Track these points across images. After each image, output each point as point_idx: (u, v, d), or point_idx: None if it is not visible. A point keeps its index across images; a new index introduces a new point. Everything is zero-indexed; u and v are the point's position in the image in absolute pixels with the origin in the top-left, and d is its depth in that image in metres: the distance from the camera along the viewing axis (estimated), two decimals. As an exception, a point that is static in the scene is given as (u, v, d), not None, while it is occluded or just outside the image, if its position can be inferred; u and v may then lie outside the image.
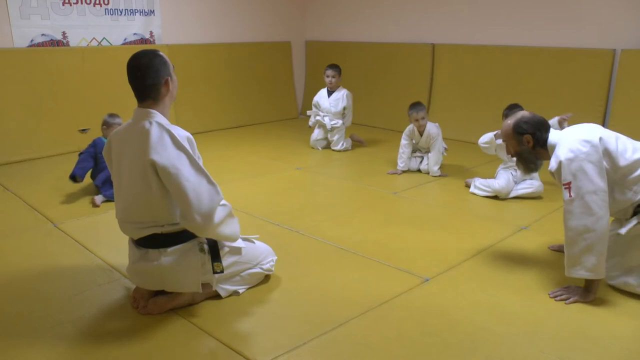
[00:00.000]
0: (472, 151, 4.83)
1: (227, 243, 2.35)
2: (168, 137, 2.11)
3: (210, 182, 2.15)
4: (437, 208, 3.73)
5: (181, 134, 2.16)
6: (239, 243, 2.39)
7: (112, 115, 3.89)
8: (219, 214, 2.18)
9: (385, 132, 6.08)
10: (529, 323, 2.21)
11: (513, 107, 3.63)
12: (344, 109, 5.18)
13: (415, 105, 4.29)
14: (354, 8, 6.66)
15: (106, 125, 3.84)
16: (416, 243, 3.05)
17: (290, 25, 7.14)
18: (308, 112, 5.42)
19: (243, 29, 6.59)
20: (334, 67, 5.15)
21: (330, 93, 5.21)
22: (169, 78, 2.20)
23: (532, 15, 5.13)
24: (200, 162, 2.16)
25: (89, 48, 5.33)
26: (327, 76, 5.14)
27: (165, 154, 2.08)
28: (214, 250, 2.28)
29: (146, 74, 2.15)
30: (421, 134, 4.36)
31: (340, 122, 5.19)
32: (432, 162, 4.37)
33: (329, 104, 5.20)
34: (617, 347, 2.06)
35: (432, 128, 4.34)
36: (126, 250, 2.38)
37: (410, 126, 4.38)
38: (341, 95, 5.16)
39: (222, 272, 2.27)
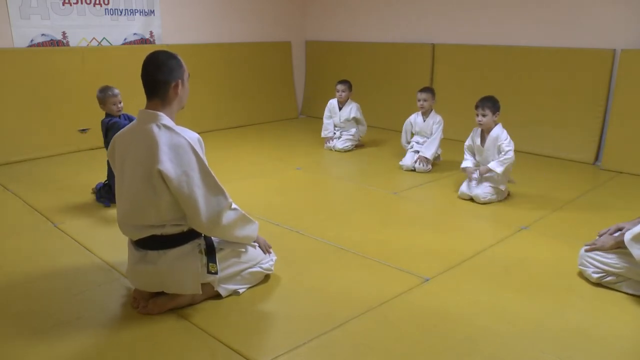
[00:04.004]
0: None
1: (227, 245, 2.36)
2: (180, 142, 2.11)
3: (218, 187, 2.19)
4: (437, 208, 3.72)
5: (192, 136, 2.17)
6: (240, 246, 2.41)
7: (103, 89, 3.54)
8: (229, 217, 2.24)
9: (385, 132, 6.08)
10: (529, 323, 2.21)
11: (486, 100, 3.70)
12: (354, 119, 5.28)
13: (423, 88, 4.59)
14: (354, 8, 6.66)
15: (102, 103, 3.54)
16: (416, 243, 3.05)
17: (290, 25, 7.14)
18: (324, 133, 5.40)
19: (243, 29, 6.59)
20: (344, 82, 5.28)
21: (340, 108, 5.33)
22: (180, 81, 2.20)
23: (532, 15, 5.13)
24: (207, 164, 2.17)
25: (89, 48, 5.33)
26: (337, 90, 5.26)
27: (176, 161, 2.08)
28: (210, 251, 2.28)
29: (159, 70, 2.16)
30: (424, 118, 4.55)
31: (354, 130, 5.31)
32: (426, 147, 4.46)
33: (339, 118, 5.30)
34: (617, 347, 2.06)
35: (435, 116, 4.53)
36: (126, 250, 2.38)
37: (412, 115, 4.64)
38: (349, 109, 5.27)
39: (216, 273, 2.27)
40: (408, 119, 4.70)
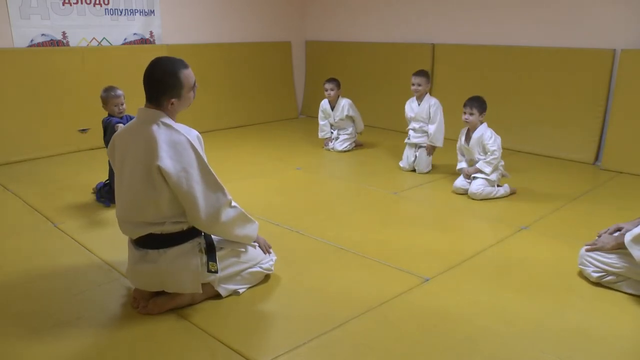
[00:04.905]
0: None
1: (227, 244, 2.37)
2: (179, 139, 2.12)
3: (217, 184, 2.20)
4: (437, 208, 3.73)
5: (191, 133, 2.18)
6: (240, 246, 2.41)
7: (106, 90, 3.55)
8: (228, 214, 2.25)
9: (385, 132, 6.08)
10: (529, 323, 2.21)
11: (475, 99, 3.82)
12: (348, 117, 5.24)
13: (418, 71, 4.50)
14: (354, 8, 6.66)
15: (104, 103, 3.54)
16: (416, 243, 3.05)
17: (290, 25, 7.14)
18: (321, 134, 5.38)
19: (243, 29, 6.59)
20: (331, 80, 5.21)
21: (332, 107, 5.28)
22: (176, 100, 2.17)
23: (532, 15, 5.13)
24: (206, 161, 2.17)
25: (89, 48, 5.33)
26: (325, 90, 5.21)
27: (176, 158, 2.09)
28: (210, 250, 2.28)
29: (155, 85, 2.16)
30: (419, 102, 4.52)
31: (351, 128, 5.28)
32: (434, 136, 4.42)
33: (333, 118, 5.27)
34: (617, 347, 2.06)
35: (430, 99, 4.49)
36: (126, 250, 2.38)
37: (410, 99, 4.61)
38: (341, 107, 5.22)
39: (216, 272, 2.28)
40: (407, 103, 4.65)
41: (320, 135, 5.37)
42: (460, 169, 3.97)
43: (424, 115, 4.51)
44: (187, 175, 2.10)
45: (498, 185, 3.86)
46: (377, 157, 5.06)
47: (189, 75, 2.19)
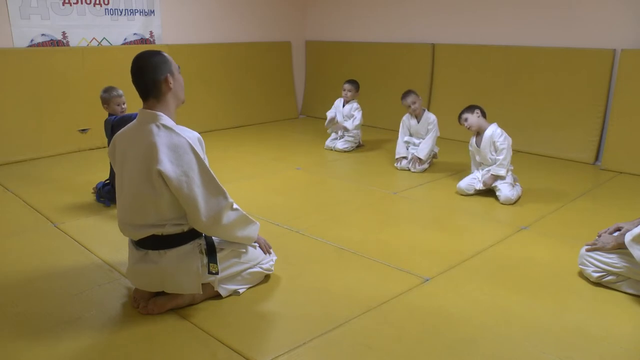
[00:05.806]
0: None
1: (228, 245, 2.37)
2: (179, 142, 2.11)
3: (218, 187, 2.20)
4: (437, 208, 3.73)
5: (192, 135, 2.17)
6: (240, 246, 2.41)
7: (107, 90, 3.56)
8: (229, 217, 2.25)
9: (385, 132, 6.08)
10: (529, 323, 2.21)
11: (471, 108, 3.81)
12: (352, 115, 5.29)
13: (405, 94, 4.56)
14: (354, 8, 6.66)
15: (106, 103, 3.56)
16: (416, 243, 3.05)
17: (290, 25, 7.14)
18: (328, 114, 5.39)
19: (243, 29, 6.59)
20: (351, 82, 5.28)
21: (344, 105, 5.34)
22: (169, 75, 2.18)
23: (532, 15, 5.13)
24: (207, 163, 2.17)
25: (89, 48, 5.33)
26: (343, 89, 5.27)
27: (176, 162, 2.08)
28: (211, 251, 2.28)
29: (145, 70, 2.15)
30: (418, 120, 4.58)
31: (355, 132, 5.32)
32: (421, 147, 4.47)
33: (342, 115, 5.32)
34: (617, 347, 2.06)
35: (430, 116, 4.55)
36: (126, 250, 2.38)
37: (405, 116, 4.67)
38: (351, 106, 5.28)
39: (217, 273, 2.27)
40: (403, 119, 4.70)
41: (329, 113, 5.34)
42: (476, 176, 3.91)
43: (422, 132, 4.60)
44: (187, 179, 2.10)
45: None
46: (377, 157, 5.06)
47: (168, 56, 2.24)
